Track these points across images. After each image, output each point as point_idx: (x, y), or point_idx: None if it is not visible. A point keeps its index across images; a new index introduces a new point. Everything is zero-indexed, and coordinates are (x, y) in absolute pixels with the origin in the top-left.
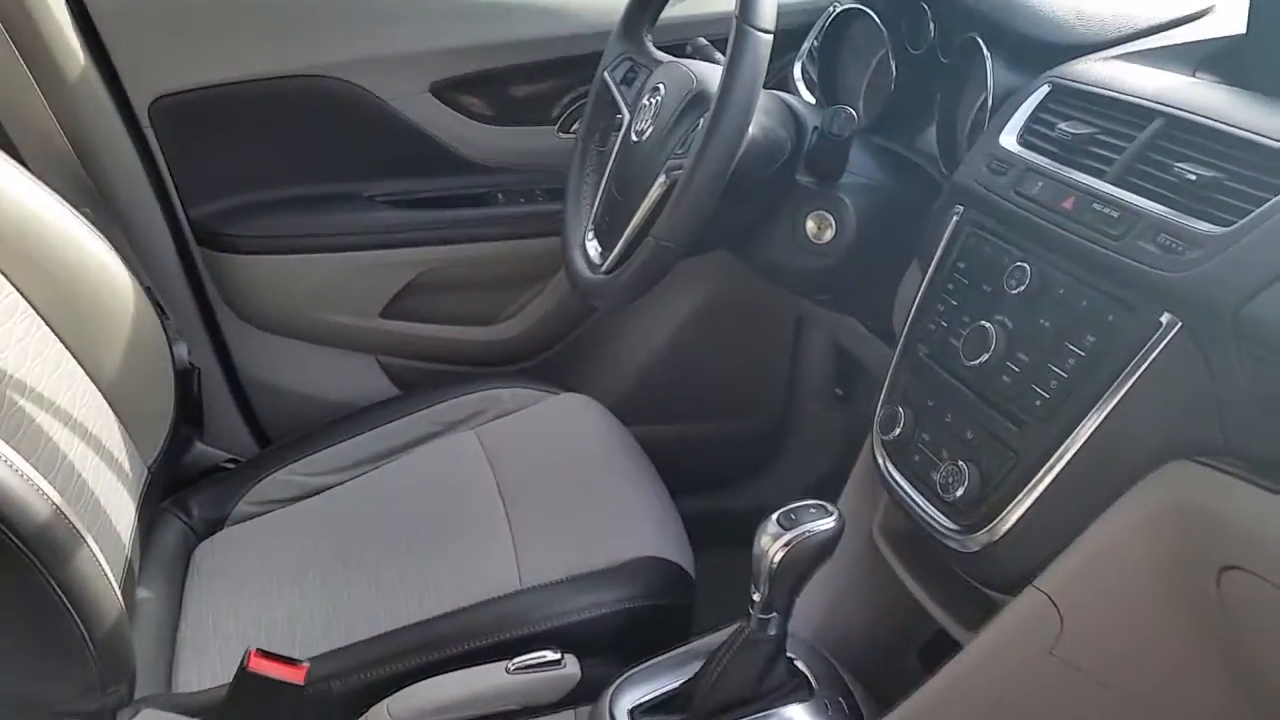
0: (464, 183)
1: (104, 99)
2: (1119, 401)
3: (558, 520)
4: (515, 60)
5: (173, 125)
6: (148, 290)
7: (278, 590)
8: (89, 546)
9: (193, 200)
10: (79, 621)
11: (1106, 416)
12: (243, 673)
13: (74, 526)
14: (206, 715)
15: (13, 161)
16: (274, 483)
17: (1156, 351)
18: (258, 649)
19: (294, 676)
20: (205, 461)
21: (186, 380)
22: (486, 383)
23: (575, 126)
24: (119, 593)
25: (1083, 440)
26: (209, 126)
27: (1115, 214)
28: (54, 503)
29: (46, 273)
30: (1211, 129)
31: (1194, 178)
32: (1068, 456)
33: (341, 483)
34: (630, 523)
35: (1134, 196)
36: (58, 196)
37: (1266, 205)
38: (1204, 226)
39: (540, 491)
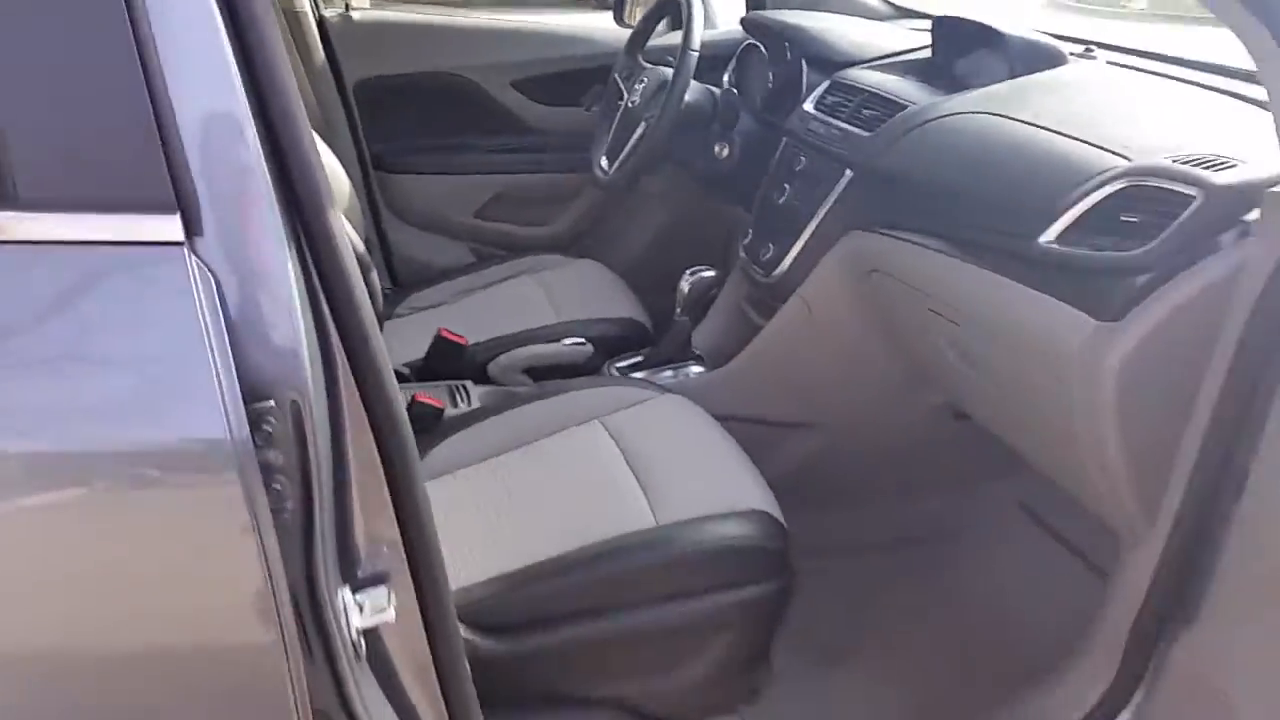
0: (528, 140)
1: (330, 79)
2: (827, 210)
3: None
4: (560, 69)
5: (367, 96)
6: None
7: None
8: None
9: (373, 140)
10: None
11: (821, 219)
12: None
13: None
14: None
15: None
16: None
17: (842, 185)
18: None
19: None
20: None
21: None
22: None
23: (594, 108)
24: None
25: (812, 228)
26: (387, 98)
27: (839, 134)
28: None
29: None
30: (881, 97)
31: (869, 113)
32: (806, 235)
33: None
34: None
35: (848, 125)
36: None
37: (893, 120)
38: (865, 133)
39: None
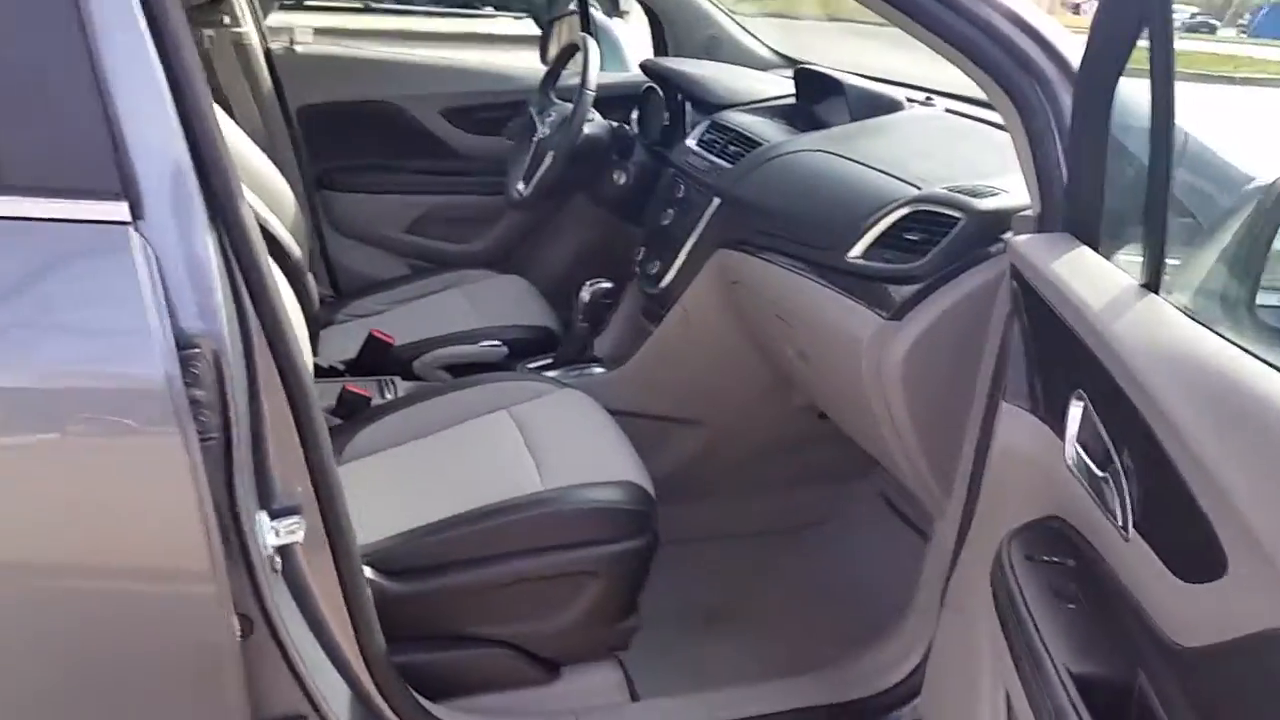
0: (455, 164)
1: (276, 105)
2: (700, 231)
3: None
4: (484, 100)
5: (310, 121)
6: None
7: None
8: None
9: (316, 161)
10: None
11: (696, 239)
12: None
13: None
14: None
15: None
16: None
17: (711, 210)
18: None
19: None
20: None
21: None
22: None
23: (513, 137)
24: None
25: (689, 246)
26: (329, 123)
27: (710, 167)
28: None
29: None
30: (745, 136)
31: (735, 149)
32: (684, 252)
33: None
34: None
35: (718, 160)
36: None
37: (749, 155)
38: (726, 164)
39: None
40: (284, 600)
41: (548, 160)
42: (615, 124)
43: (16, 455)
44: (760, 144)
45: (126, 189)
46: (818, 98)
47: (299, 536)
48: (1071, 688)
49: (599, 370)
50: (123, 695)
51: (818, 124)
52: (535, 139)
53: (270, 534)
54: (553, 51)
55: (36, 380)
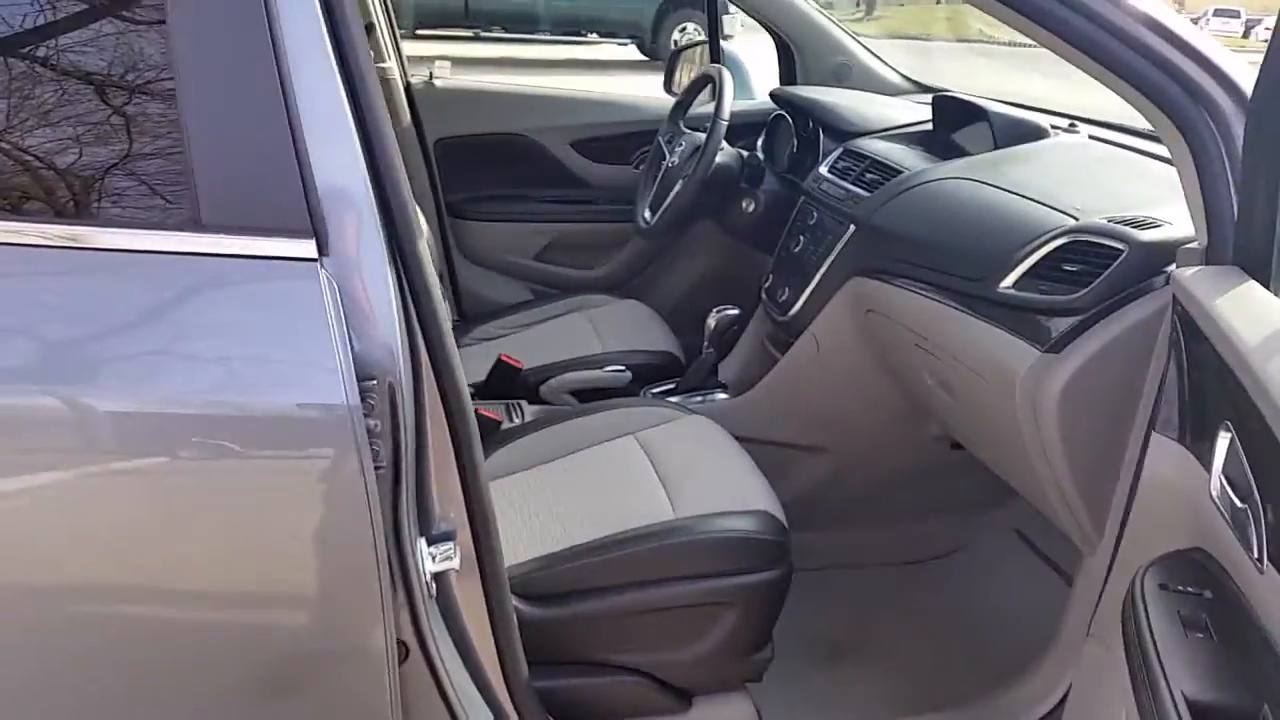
0: (582, 193)
1: (414, 137)
2: (833, 259)
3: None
4: (612, 131)
5: (445, 152)
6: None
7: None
8: None
9: (448, 191)
10: None
11: (829, 267)
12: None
13: None
14: None
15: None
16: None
17: (845, 238)
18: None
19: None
20: None
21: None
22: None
23: (640, 165)
24: None
25: (821, 274)
26: (462, 154)
27: (845, 195)
28: None
29: None
30: (882, 163)
31: (871, 177)
32: (816, 279)
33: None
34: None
35: (853, 187)
36: None
37: (889, 183)
38: (867, 194)
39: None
40: (436, 626)
41: (677, 188)
42: (744, 152)
43: (205, 480)
44: (899, 171)
45: (315, 226)
46: (957, 124)
47: (455, 563)
48: (1185, 713)
49: (722, 396)
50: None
51: (957, 151)
52: (663, 167)
53: (428, 560)
54: (681, 81)
55: (229, 409)
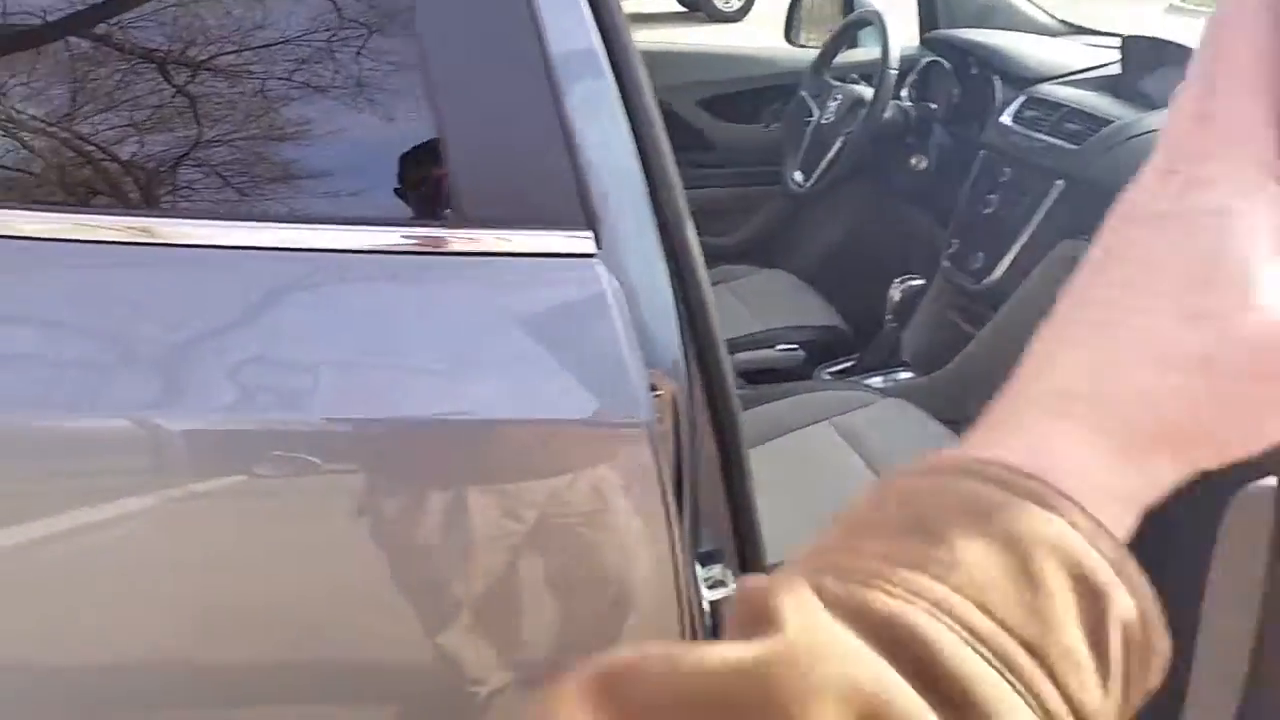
0: (708, 156)
1: None
2: (1040, 219)
3: None
4: (741, 88)
5: None
6: None
7: None
8: None
9: None
10: None
11: (1035, 229)
12: None
13: None
14: None
15: None
16: None
17: (1053, 195)
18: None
19: None
20: None
21: None
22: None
23: (773, 125)
24: None
25: (1025, 238)
26: None
27: (1043, 147)
28: None
29: None
30: (1087, 114)
31: (1071, 127)
32: (1019, 244)
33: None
34: None
35: (1051, 138)
36: None
37: (1099, 134)
38: (1073, 146)
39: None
40: None
41: (837, 146)
42: (907, 103)
43: (486, 496)
44: (1109, 120)
45: (590, 219)
46: (1150, 69)
47: (731, 586)
48: None
49: (906, 375)
50: None
51: (1148, 99)
52: (812, 124)
53: (704, 584)
54: (803, 30)
55: (508, 413)
